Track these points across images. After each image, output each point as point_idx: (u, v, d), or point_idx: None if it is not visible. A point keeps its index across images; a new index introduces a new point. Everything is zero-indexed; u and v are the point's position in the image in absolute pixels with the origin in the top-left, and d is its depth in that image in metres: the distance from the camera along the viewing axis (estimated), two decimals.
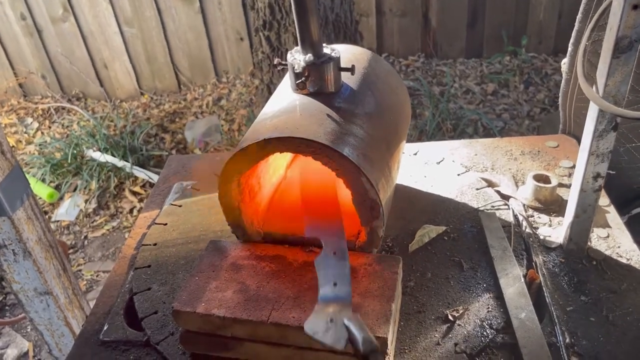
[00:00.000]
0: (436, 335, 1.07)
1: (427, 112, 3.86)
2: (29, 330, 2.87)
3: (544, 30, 4.42)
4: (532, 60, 4.43)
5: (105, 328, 1.17)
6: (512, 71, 4.34)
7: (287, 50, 3.47)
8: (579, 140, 1.58)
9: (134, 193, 3.66)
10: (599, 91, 1.01)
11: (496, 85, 4.25)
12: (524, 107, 4.02)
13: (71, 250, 3.40)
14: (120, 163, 3.70)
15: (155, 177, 3.61)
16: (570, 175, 1.47)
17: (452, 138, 3.70)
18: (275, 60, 1.17)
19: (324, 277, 0.95)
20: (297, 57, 1.12)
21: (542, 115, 3.94)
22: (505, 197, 1.40)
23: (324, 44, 1.14)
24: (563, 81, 1.47)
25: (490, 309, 1.11)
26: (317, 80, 1.12)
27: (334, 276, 0.94)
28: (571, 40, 1.36)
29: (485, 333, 1.07)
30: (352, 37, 3.62)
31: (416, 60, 4.58)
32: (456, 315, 1.10)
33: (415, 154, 1.60)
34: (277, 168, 1.33)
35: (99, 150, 3.81)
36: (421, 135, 3.72)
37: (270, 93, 3.75)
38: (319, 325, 0.87)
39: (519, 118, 3.94)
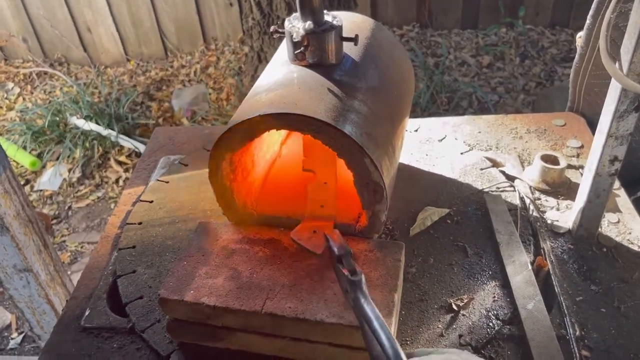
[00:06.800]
0: (439, 325, 1.01)
1: (421, 84, 3.76)
2: (10, 302, 2.80)
3: (542, 1, 4.30)
4: (528, 32, 4.33)
5: (86, 313, 1.10)
6: (508, 43, 4.25)
7: (278, 17, 3.38)
8: (587, 119, 1.52)
9: (120, 163, 3.55)
10: (622, 69, 0.93)
11: (491, 58, 4.16)
12: (519, 81, 3.94)
13: (54, 221, 3.30)
14: (105, 131, 3.58)
15: (141, 147, 3.50)
16: (578, 155, 1.40)
17: (446, 111, 3.62)
18: (272, 28, 1.07)
19: (312, 200, 1.10)
20: (296, 25, 1.03)
21: (538, 89, 3.86)
22: (511, 178, 1.34)
23: (325, 11, 1.05)
24: (577, 56, 1.39)
25: (496, 298, 1.06)
26: (317, 51, 1.03)
27: (322, 200, 1.10)
28: (590, 13, 1.27)
29: (491, 324, 1.01)
30: (345, 4, 3.49)
31: (411, 30, 4.46)
32: (460, 304, 1.04)
33: (416, 130, 1.52)
34: (271, 144, 1.25)
35: (83, 117, 3.68)
36: (415, 107, 3.63)
37: (260, 61, 3.63)
38: (304, 233, 1.05)
39: (514, 92, 3.86)
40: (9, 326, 2.71)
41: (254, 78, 3.71)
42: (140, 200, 1.35)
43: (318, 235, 1.05)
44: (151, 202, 1.34)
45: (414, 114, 3.51)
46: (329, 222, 1.08)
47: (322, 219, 1.09)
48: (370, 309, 0.79)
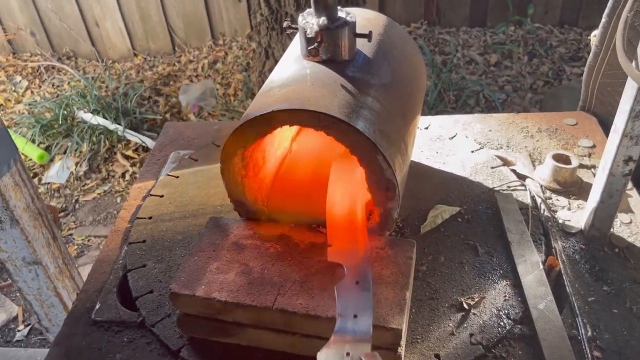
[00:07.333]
0: (450, 324, 1.01)
1: (429, 81, 3.75)
2: (18, 294, 2.81)
3: (551, 0, 4.28)
4: (537, 31, 4.31)
5: (97, 307, 1.10)
6: (516, 42, 4.23)
7: (287, 13, 3.37)
8: (599, 118, 1.51)
9: (126, 157, 3.56)
10: (639, 68, 0.92)
11: (499, 56, 4.14)
12: (527, 80, 3.92)
13: (62, 214, 3.32)
14: (112, 126, 3.58)
15: (148, 141, 3.50)
16: (590, 155, 1.40)
17: (453, 109, 3.61)
18: (285, 24, 1.07)
19: (343, 307, 0.88)
20: (310, 21, 1.02)
21: (546, 88, 3.84)
22: (522, 177, 1.33)
23: (339, 7, 1.04)
24: (591, 55, 1.38)
25: (507, 298, 1.05)
26: (330, 47, 1.03)
27: (354, 307, 0.88)
28: (606, 11, 1.26)
29: (502, 323, 1.01)
30: (354, 1, 3.48)
31: (418, 28, 4.45)
32: (471, 303, 1.04)
33: (427, 127, 1.52)
34: (282, 140, 1.25)
35: (90, 111, 3.69)
36: (422, 105, 3.62)
37: (267, 57, 3.62)
38: (333, 357, 0.82)
39: (521, 91, 3.84)
40: (15, 318, 2.72)
41: (261, 74, 3.71)
42: (151, 195, 1.35)
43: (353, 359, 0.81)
44: (161, 196, 1.34)
45: (422, 112, 3.49)
46: (365, 341, 0.83)
47: (355, 336, 0.84)
48: None
